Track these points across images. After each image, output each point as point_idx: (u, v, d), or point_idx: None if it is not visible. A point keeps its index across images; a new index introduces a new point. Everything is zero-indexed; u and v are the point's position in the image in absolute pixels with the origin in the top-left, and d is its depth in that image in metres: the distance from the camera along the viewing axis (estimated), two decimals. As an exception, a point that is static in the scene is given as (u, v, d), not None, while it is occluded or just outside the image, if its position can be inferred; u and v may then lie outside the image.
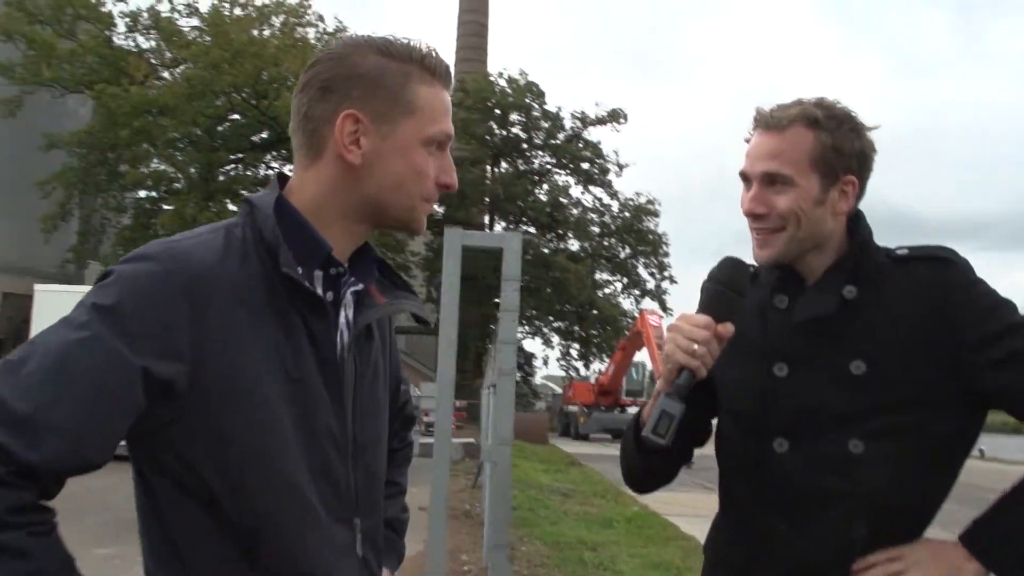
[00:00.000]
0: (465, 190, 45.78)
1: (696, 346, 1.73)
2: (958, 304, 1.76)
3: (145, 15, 36.88)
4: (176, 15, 36.71)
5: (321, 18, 37.96)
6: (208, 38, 34.95)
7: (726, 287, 1.79)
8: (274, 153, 36.37)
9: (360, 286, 1.55)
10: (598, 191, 49.93)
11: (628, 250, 50.35)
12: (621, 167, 49.26)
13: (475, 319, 37.52)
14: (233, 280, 1.39)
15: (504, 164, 50.05)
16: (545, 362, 70.55)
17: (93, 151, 34.95)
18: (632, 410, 35.88)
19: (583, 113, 48.62)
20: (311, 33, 36.40)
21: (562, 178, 50.23)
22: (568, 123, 48.77)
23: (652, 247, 49.69)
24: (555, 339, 50.76)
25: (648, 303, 48.75)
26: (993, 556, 1.71)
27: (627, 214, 49.54)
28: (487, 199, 48.13)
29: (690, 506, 14.40)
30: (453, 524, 11.42)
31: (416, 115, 1.49)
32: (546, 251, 46.91)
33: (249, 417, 1.36)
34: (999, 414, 1.84)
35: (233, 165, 37.12)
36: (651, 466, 2.00)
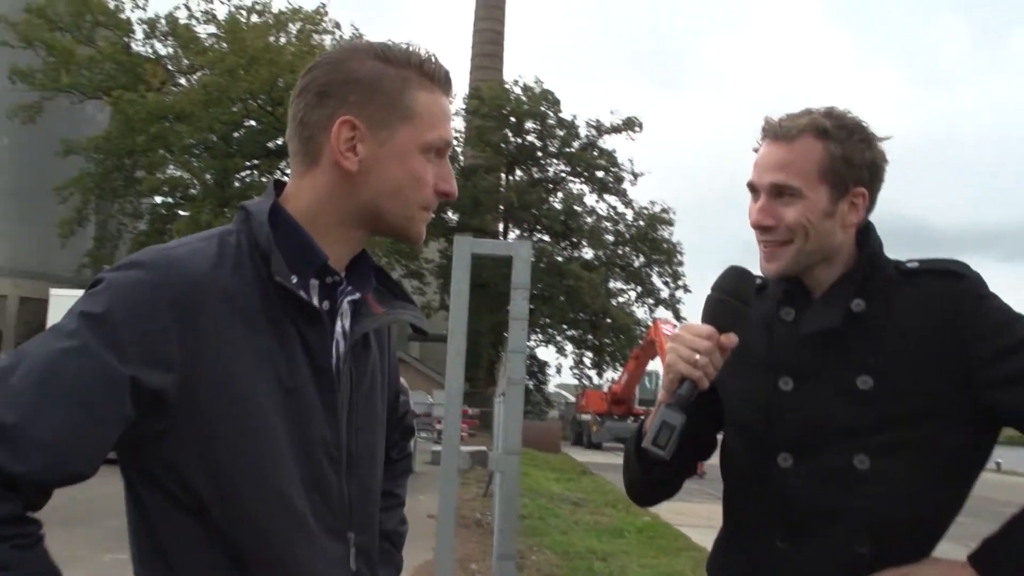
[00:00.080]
0: (480, 197, 45.90)
1: (698, 356, 1.69)
2: (969, 319, 1.73)
3: (163, 22, 37.18)
4: (193, 22, 36.97)
5: (338, 25, 38.28)
6: (225, 45, 35.15)
7: (730, 296, 1.75)
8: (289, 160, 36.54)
9: (357, 295, 1.53)
10: (613, 199, 50.01)
11: (642, 259, 50.36)
12: (636, 176, 49.34)
13: (488, 327, 37.52)
14: (226, 288, 1.36)
15: (519, 172, 50.12)
16: (558, 370, 70.50)
17: (110, 157, 35.26)
18: (646, 420, 35.70)
19: (598, 121, 48.72)
20: (327, 40, 36.60)
21: (577, 186, 50.33)
22: (583, 131, 48.86)
23: (666, 256, 49.66)
24: (568, 347, 50.81)
25: (662, 312, 48.78)
26: None
27: (641, 223, 49.54)
28: (501, 207, 48.19)
29: (702, 516, 14.32)
30: (463, 533, 11.41)
31: (414, 121, 1.46)
32: (560, 259, 46.92)
33: (241, 425, 1.34)
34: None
35: (248, 171, 37.31)
36: (653, 479, 1.96)
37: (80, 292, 1.40)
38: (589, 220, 49.58)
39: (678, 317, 46.82)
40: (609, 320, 47.23)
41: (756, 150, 1.89)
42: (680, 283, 49.63)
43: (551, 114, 48.30)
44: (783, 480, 1.79)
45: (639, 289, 50.96)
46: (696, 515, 14.71)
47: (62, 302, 18.91)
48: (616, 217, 50.19)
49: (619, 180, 49.36)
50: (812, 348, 1.81)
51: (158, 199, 37.37)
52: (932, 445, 1.72)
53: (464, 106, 48.07)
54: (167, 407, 1.30)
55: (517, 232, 48.17)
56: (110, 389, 1.25)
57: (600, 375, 50.16)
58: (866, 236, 1.87)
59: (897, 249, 1.88)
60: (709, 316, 1.75)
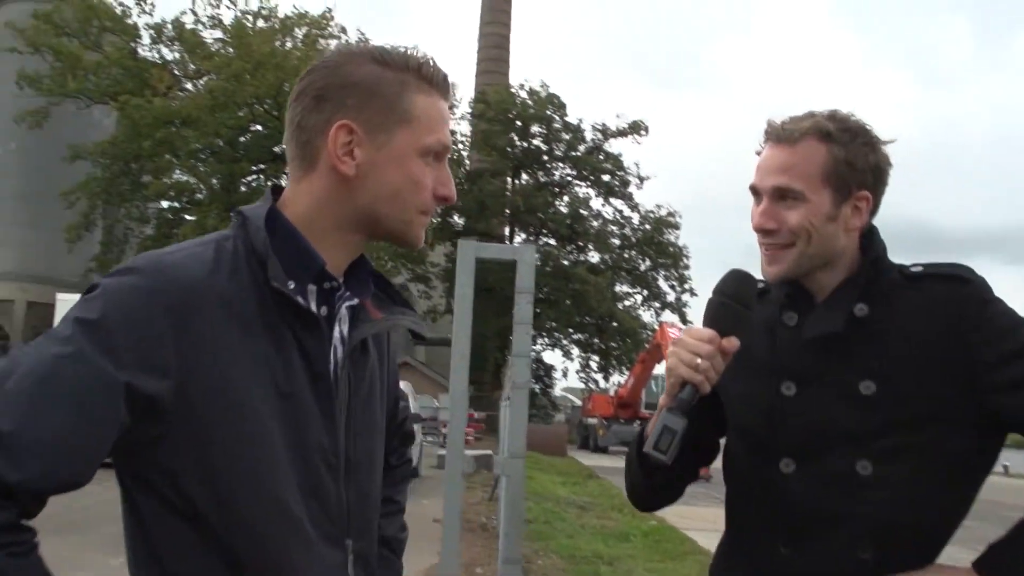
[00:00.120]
0: (486, 201, 45.94)
1: (699, 360, 1.68)
2: (973, 323, 1.71)
3: (169, 27, 37.26)
4: (200, 27, 37.07)
5: (343, 30, 38.28)
6: (231, 50, 35.24)
7: (732, 300, 1.73)
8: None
9: (355, 300, 1.51)
10: (618, 203, 50.02)
11: (648, 262, 50.37)
12: (642, 179, 49.35)
13: (494, 331, 37.52)
14: (222, 294, 1.35)
15: (525, 176, 50.15)
16: (564, 374, 70.67)
17: (117, 162, 35.33)
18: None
19: (604, 125, 48.73)
20: (333, 45, 36.60)
21: (582, 190, 50.34)
22: (589, 135, 48.88)
23: (672, 259, 49.66)
24: (575, 351, 50.82)
25: (668, 316, 48.79)
26: None
27: (647, 226, 49.54)
28: (507, 211, 48.21)
29: (708, 520, 14.29)
30: (469, 537, 11.39)
31: (412, 124, 1.45)
32: (566, 263, 46.91)
33: (237, 431, 1.33)
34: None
35: (255, 176, 37.37)
36: (654, 483, 1.95)
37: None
38: (595, 224, 49.59)
39: (684, 321, 46.81)
40: (615, 324, 47.20)
41: (759, 153, 1.88)
42: (686, 287, 49.63)
43: (557, 118, 48.30)
44: (785, 485, 1.78)
45: (645, 293, 50.97)
46: (702, 519, 14.68)
47: (69, 307, 18.86)
48: (622, 221, 50.21)
49: (625, 184, 49.37)
50: (815, 353, 1.80)
51: (165, 204, 37.44)
52: (936, 450, 1.71)
53: (470, 110, 48.15)
54: (163, 413, 1.29)
55: (523, 236, 48.18)
56: (105, 395, 1.24)
57: (606, 379, 50.19)
58: (870, 240, 1.86)
59: (903, 252, 1.87)
60: (710, 320, 1.73)
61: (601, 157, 48.91)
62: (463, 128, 47.25)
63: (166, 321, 1.29)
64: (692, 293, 49.02)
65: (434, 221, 42.19)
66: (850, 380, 1.75)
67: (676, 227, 49.73)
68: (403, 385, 20.34)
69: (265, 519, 1.35)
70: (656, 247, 49.33)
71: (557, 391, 60.17)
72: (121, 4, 38.25)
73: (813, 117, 1.82)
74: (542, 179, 49.79)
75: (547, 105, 47.93)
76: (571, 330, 48.90)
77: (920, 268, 1.82)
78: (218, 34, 37.20)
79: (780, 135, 1.82)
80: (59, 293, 22.34)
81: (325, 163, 1.44)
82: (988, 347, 1.69)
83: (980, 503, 1.80)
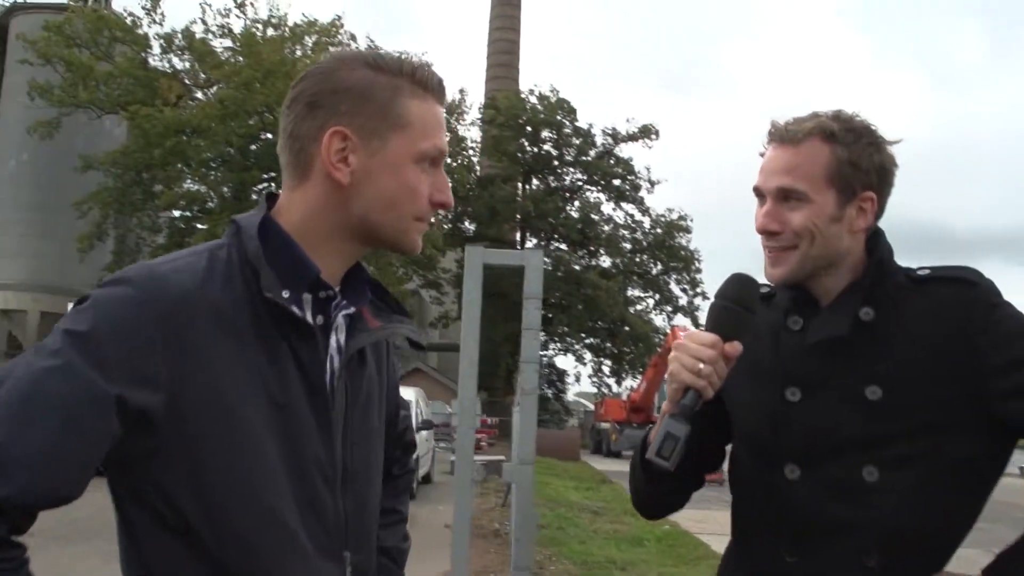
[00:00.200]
0: (496, 207, 46.05)
1: (702, 365, 1.65)
2: (981, 327, 1.68)
3: (179, 36, 37.40)
4: (210, 36, 37.20)
5: (353, 37, 38.37)
6: (241, 58, 35.36)
7: (734, 304, 1.71)
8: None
9: (352, 309, 1.49)
10: (629, 207, 50.10)
11: (660, 266, 50.41)
12: (653, 183, 49.42)
13: (505, 336, 37.52)
14: (215, 304, 1.33)
15: (535, 181, 50.25)
16: (577, 379, 70.73)
17: (128, 171, 35.46)
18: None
19: (614, 129, 48.82)
20: (342, 52, 36.68)
21: (593, 195, 50.44)
22: (599, 139, 48.99)
23: (684, 263, 49.67)
24: (587, 356, 50.84)
25: (680, 319, 48.82)
26: None
27: (659, 230, 49.58)
28: (518, 216, 48.29)
29: (722, 524, 14.05)
30: (482, 543, 11.39)
31: (407, 130, 1.42)
32: (577, 268, 46.94)
33: (230, 442, 1.31)
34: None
35: (266, 184, 37.44)
36: (659, 490, 1.92)
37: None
38: (606, 228, 49.65)
39: (696, 324, 46.66)
40: (627, 328, 47.19)
41: (762, 154, 1.86)
42: (698, 290, 49.66)
43: (567, 123, 48.39)
44: (790, 492, 1.75)
45: (657, 297, 51.00)
46: (716, 523, 14.60)
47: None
48: (633, 225, 50.27)
49: (636, 188, 49.42)
50: (820, 357, 1.77)
51: (176, 213, 37.55)
52: (943, 456, 1.68)
53: (480, 116, 48.23)
54: (155, 425, 1.27)
55: (534, 241, 48.25)
56: (95, 408, 1.22)
57: (619, 383, 50.22)
58: (875, 242, 1.83)
59: (915, 253, 1.84)
60: (713, 324, 1.71)
61: (612, 161, 48.98)
62: (473, 134, 47.37)
63: (157, 332, 1.27)
64: (704, 296, 48.94)
65: (445, 227, 42.35)
66: (856, 385, 1.72)
67: (687, 230, 49.79)
68: (414, 391, 20.35)
69: (259, 532, 1.33)
70: (667, 251, 49.35)
71: (570, 396, 60.19)
72: (131, 15, 38.49)
73: (817, 117, 1.80)
74: (553, 184, 49.88)
75: (557, 110, 48.02)
76: (583, 335, 48.95)
77: (927, 271, 1.79)
78: (228, 43, 37.35)
79: (784, 136, 1.80)
80: (71, 303, 22.46)
81: (319, 170, 1.42)
82: (996, 351, 1.66)
83: (996, 505, 1.78)
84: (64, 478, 1.22)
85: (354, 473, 1.46)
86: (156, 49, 38.17)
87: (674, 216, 49.64)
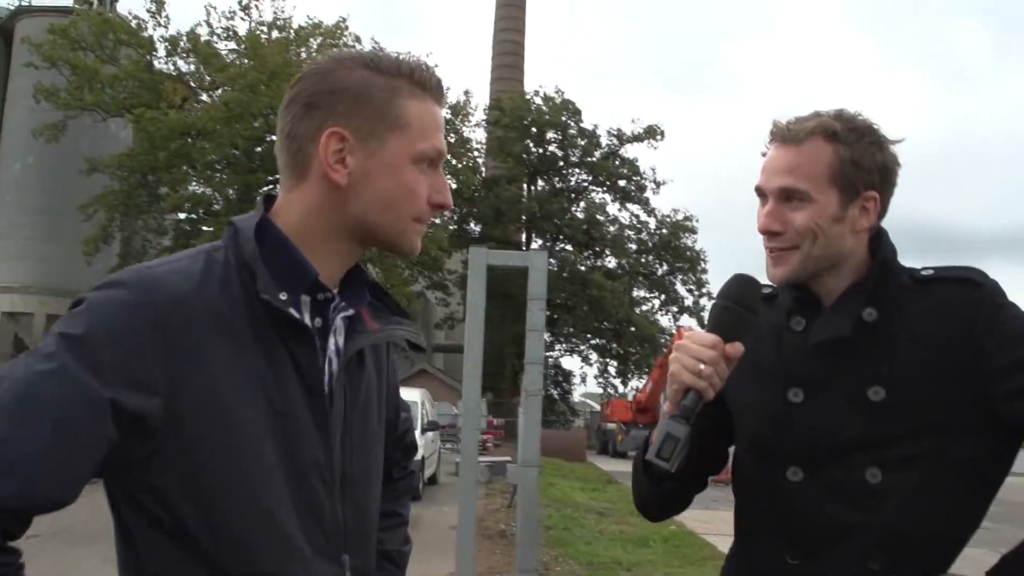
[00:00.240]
0: (502, 208, 46.06)
1: (702, 366, 1.63)
2: (986, 327, 1.66)
3: (184, 39, 37.45)
4: (215, 39, 37.25)
5: (358, 39, 38.33)
6: (246, 61, 35.39)
7: (735, 304, 1.69)
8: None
9: (351, 311, 1.48)
10: (635, 208, 50.09)
11: (665, 267, 50.37)
12: (658, 184, 49.40)
13: (512, 337, 37.52)
14: (211, 307, 1.32)
15: (540, 182, 50.25)
16: (583, 379, 70.67)
17: (133, 174, 35.50)
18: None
19: (619, 130, 48.84)
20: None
21: (599, 195, 50.44)
22: (604, 140, 48.96)
23: (690, 264, 49.63)
24: (593, 356, 50.83)
25: (686, 320, 48.74)
26: None
27: (664, 231, 49.56)
28: (523, 217, 48.28)
29: (729, 524, 14.03)
30: (488, 544, 11.37)
31: (405, 131, 1.41)
32: (583, 269, 46.91)
33: (227, 446, 1.30)
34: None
35: (271, 186, 37.45)
36: (661, 492, 1.90)
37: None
38: (612, 229, 49.64)
39: (702, 325, 46.35)
40: (633, 329, 47.18)
41: (764, 154, 1.84)
42: (704, 291, 49.61)
43: (572, 124, 48.38)
44: (793, 494, 1.73)
45: (663, 297, 50.94)
46: (722, 523, 14.55)
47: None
48: (639, 225, 50.25)
49: (641, 188, 49.42)
50: (822, 358, 1.75)
51: (182, 215, 37.59)
52: (947, 458, 1.66)
53: (485, 117, 48.22)
54: (151, 429, 1.26)
55: (540, 242, 48.24)
56: (89, 412, 1.21)
57: (625, 384, 50.16)
58: (878, 242, 1.81)
59: (919, 253, 1.82)
60: (714, 325, 1.69)
61: (617, 162, 48.96)
62: (478, 135, 47.34)
63: (153, 336, 1.26)
64: (710, 297, 48.65)
65: (450, 228, 42.35)
66: (858, 386, 1.70)
67: (693, 231, 49.74)
68: (420, 392, 20.33)
69: (256, 536, 1.32)
70: (673, 251, 49.31)
71: (576, 397, 60.15)
72: (136, 18, 38.57)
73: (819, 116, 1.78)
74: (558, 185, 49.88)
75: (562, 111, 48.00)
76: (589, 336, 48.92)
77: (931, 271, 1.77)
78: (233, 45, 37.40)
79: (785, 135, 1.79)
80: (74, 306, 22.48)
81: (317, 171, 1.41)
82: (1001, 352, 1.64)
83: (1006, 505, 1.76)
84: (58, 482, 1.21)
85: (353, 476, 1.45)
86: (161, 52, 38.27)
87: (679, 216, 49.65)
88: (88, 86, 35.77)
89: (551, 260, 43.04)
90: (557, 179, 49.96)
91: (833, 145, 1.74)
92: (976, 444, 1.67)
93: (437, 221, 36.35)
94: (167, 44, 37.90)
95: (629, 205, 49.92)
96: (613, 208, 50.22)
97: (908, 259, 1.84)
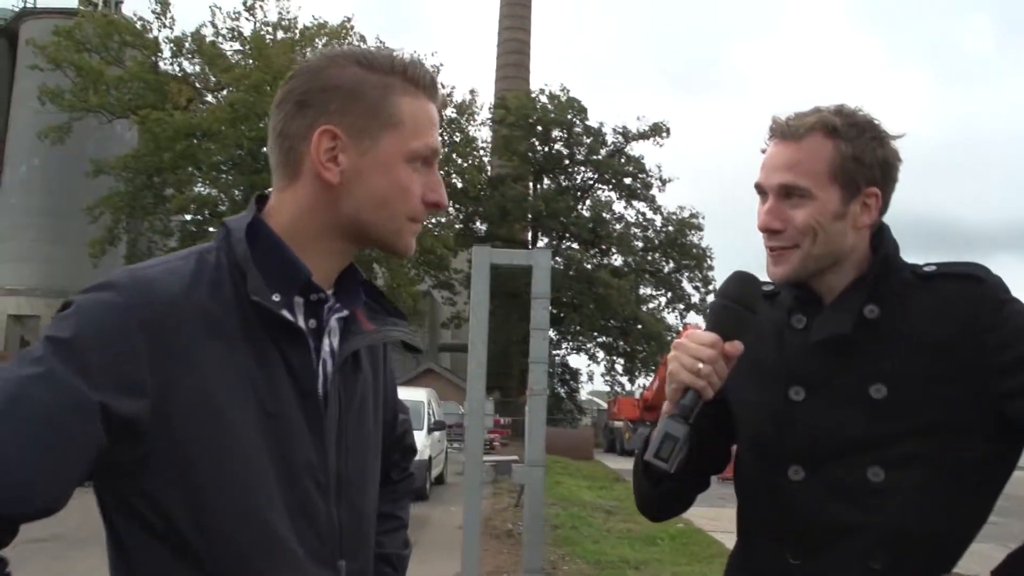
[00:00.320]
0: (507, 207, 46.06)
1: (701, 365, 1.61)
2: (989, 324, 1.63)
3: (189, 40, 37.50)
4: (220, 39, 37.29)
5: (363, 39, 38.33)
6: (251, 61, 35.43)
7: (735, 302, 1.67)
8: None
9: (346, 312, 1.46)
10: (641, 206, 50.05)
11: (672, 264, 50.32)
12: (664, 181, 49.34)
13: (519, 336, 37.49)
14: (202, 309, 1.30)
15: (546, 180, 50.23)
16: (590, 378, 70.65)
17: (139, 175, 35.56)
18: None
19: (625, 128, 48.72)
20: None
21: (604, 193, 50.40)
22: (610, 138, 48.91)
23: (696, 261, 49.58)
24: (600, 354, 50.79)
25: (692, 317, 48.67)
26: None
27: (670, 228, 49.51)
28: (529, 216, 48.26)
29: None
30: (494, 544, 11.37)
31: (399, 129, 1.39)
32: (589, 267, 46.87)
33: (218, 448, 1.28)
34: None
35: (277, 187, 37.48)
36: (662, 492, 1.88)
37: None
38: (618, 227, 49.59)
39: (709, 322, 46.65)
40: (640, 327, 47.12)
41: (764, 150, 1.82)
42: (710, 288, 49.43)
43: (578, 122, 48.33)
44: (794, 493, 1.71)
45: (669, 295, 50.90)
46: (729, 520, 14.42)
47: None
48: (645, 223, 50.21)
49: (647, 186, 49.36)
50: (823, 356, 1.73)
51: (187, 216, 37.63)
52: (950, 456, 1.64)
53: (490, 116, 48.18)
54: (142, 433, 1.24)
55: (545, 240, 48.22)
56: (78, 417, 1.19)
57: (632, 382, 50.13)
58: (880, 238, 1.79)
59: (922, 249, 1.79)
60: (713, 323, 1.67)
61: (623, 160, 48.91)
62: (484, 134, 47.30)
63: (142, 338, 1.24)
64: (717, 294, 48.92)
65: (456, 227, 42.33)
66: (860, 384, 1.68)
67: (699, 228, 49.69)
68: (427, 392, 20.31)
69: (249, 540, 1.30)
70: (679, 249, 49.26)
71: (583, 395, 60.12)
72: (141, 19, 38.65)
73: (819, 112, 1.76)
74: (564, 183, 49.85)
75: (567, 109, 47.96)
76: (596, 334, 48.90)
77: (933, 267, 1.75)
78: (238, 46, 37.42)
79: (785, 131, 1.76)
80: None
81: (309, 170, 1.39)
82: (1004, 349, 1.62)
83: (1013, 499, 1.74)
84: (45, 489, 1.19)
85: (348, 478, 1.44)
86: (166, 53, 38.33)
87: (685, 214, 49.57)
88: (93, 88, 35.82)
89: (557, 258, 43.04)
90: (563, 177, 49.93)
91: (834, 141, 1.72)
92: (979, 442, 1.65)
93: (443, 220, 36.35)
94: (172, 45, 37.97)
95: (635, 203, 49.89)
96: (619, 206, 50.22)
97: (914, 255, 1.82)
